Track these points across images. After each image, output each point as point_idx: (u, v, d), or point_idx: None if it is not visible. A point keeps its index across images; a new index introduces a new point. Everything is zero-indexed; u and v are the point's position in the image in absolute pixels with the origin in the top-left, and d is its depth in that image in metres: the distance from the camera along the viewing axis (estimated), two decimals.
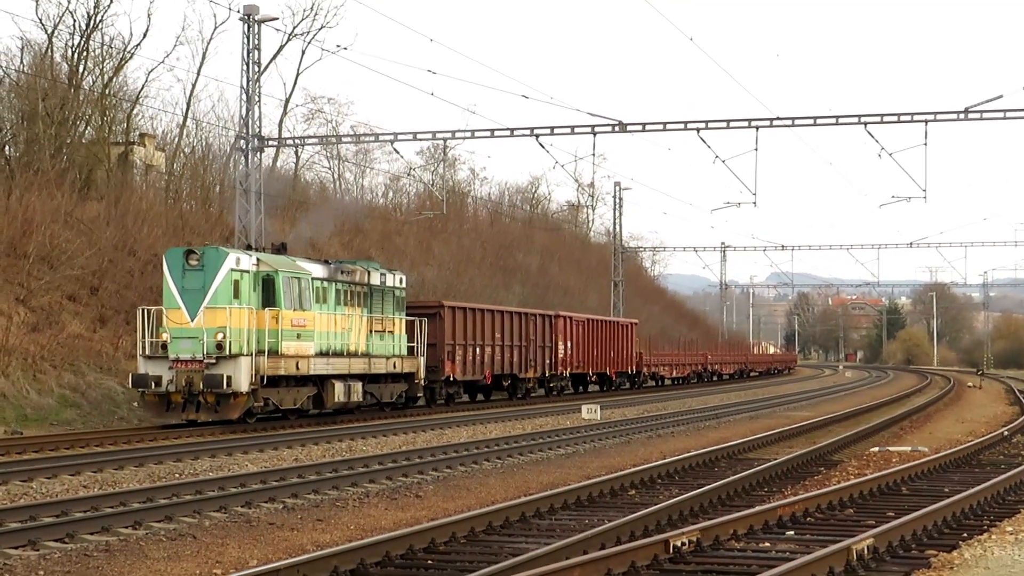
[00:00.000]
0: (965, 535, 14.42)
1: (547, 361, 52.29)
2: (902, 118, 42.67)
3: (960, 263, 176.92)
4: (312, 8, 61.98)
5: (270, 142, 51.19)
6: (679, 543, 12.95)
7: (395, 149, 63.10)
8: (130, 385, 30.91)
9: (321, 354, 33.34)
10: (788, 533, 14.67)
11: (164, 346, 29.53)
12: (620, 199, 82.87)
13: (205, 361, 28.90)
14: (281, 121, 62.18)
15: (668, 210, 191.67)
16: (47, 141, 48.72)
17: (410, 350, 39.10)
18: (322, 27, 62.73)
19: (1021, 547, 13.58)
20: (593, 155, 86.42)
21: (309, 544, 14.09)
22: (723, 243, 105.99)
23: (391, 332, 38.21)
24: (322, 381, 33.63)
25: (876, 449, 26.84)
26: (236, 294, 30.06)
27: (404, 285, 39.81)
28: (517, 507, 16.02)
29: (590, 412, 37.92)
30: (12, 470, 20.57)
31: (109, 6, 53.78)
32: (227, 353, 29.13)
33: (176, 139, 58.15)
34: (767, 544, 13.90)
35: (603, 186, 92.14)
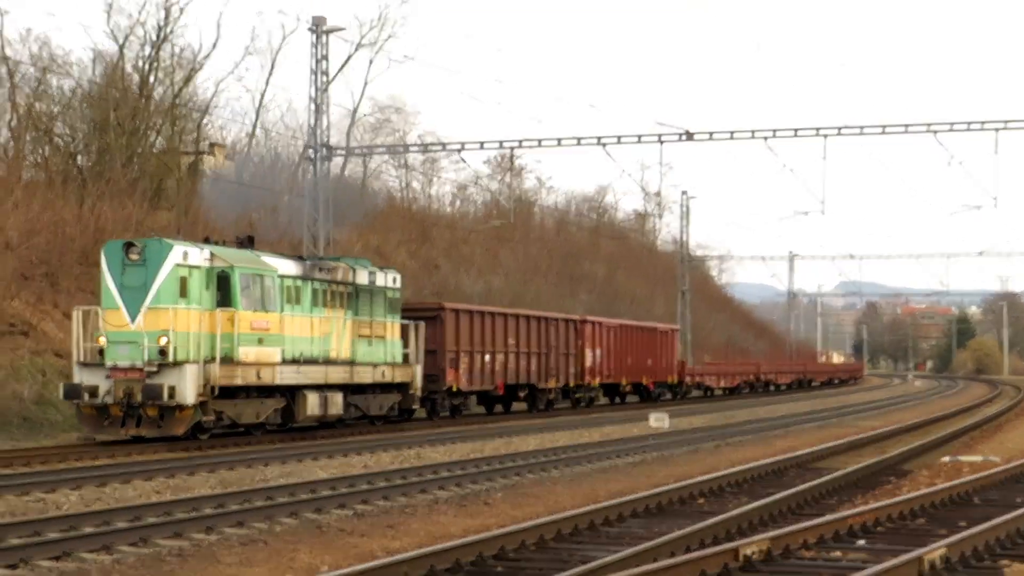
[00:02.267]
0: None
1: (572, 370, 48.42)
2: (972, 126, 42.50)
3: None
4: (379, 18, 62.42)
5: (338, 151, 51.47)
6: (749, 552, 12.92)
7: (462, 158, 63.57)
8: (60, 396, 27.48)
9: (290, 361, 29.57)
10: (859, 542, 14.61)
11: (101, 352, 26.18)
12: (687, 208, 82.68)
13: (145, 369, 25.28)
14: (349, 131, 62.42)
15: (735, 219, 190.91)
16: (118, 151, 49.16)
17: (405, 357, 35.44)
18: (389, 37, 63.17)
19: None
20: (660, 164, 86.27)
21: (379, 550, 14.14)
22: (791, 252, 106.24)
23: (381, 337, 34.23)
24: (293, 392, 29.82)
25: (947, 459, 26.61)
26: (183, 293, 26.36)
27: (398, 285, 35.88)
28: (586, 515, 16.00)
29: (658, 420, 37.84)
30: (86, 475, 20.84)
31: (179, 18, 54.25)
32: (171, 360, 25.53)
33: (245, 149, 58.55)
34: (838, 553, 13.84)
35: (670, 195, 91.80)
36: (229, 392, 26.91)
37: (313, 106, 45.92)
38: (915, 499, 17.91)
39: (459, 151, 56.02)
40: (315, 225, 45.27)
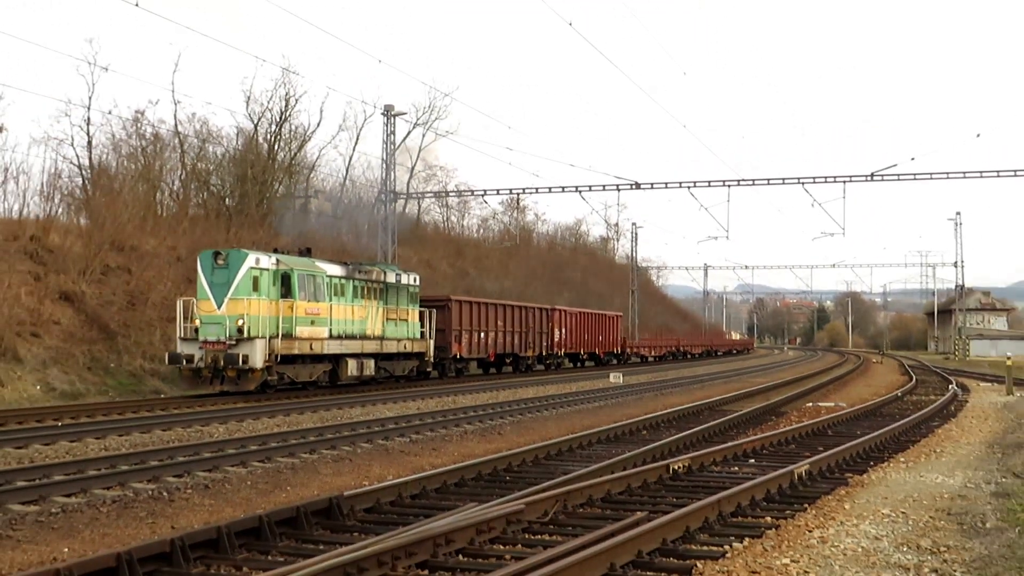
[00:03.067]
0: (872, 463, 14.40)
1: (544, 343, 46.36)
2: (827, 179, 42.85)
3: (867, 278, 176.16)
4: (429, 106, 62.88)
5: (401, 196, 51.48)
6: (677, 467, 12.97)
7: (485, 200, 63.74)
8: (167, 362, 26.79)
9: (335, 337, 28.80)
10: (751, 461, 14.69)
11: (196, 330, 25.61)
12: (635, 234, 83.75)
13: (227, 343, 24.90)
14: (408, 181, 62.37)
15: (668, 241, 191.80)
16: (253, 196, 49.28)
17: (422, 335, 34.44)
18: (436, 118, 63.58)
19: (910, 471, 13.52)
20: (617, 204, 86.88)
21: (427, 465, 14.13)
22: (705, 264, 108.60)
23: (405, 320, 33.31)
24: (337, 359, 29.07)
25: (810, 404, 26.67)
26: (255, 288, 25.76)
27: (417, 283, 34.67)
28: (567, 441, 16.07)
29: (615, 378, 37.79)
30: (230, 415, 20.82)
31: (294, 105, 54.36)
32: (245, 336, 25.03)
33: (339, 193, 58.69)
34: (736, 468, 13.89)
35: (624, 225, 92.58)
36: (289, 359, 26.51)
37: (384, 165, 45.99)
38: (788, 431, 17.94)
39: (483, 195, 56.13)
40: (385, 245, 45.37)
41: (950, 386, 33.78)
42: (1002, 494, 11.63)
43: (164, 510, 10.94)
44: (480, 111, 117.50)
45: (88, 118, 45.98)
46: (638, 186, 45.26)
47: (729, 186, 44.30)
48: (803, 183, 43.07)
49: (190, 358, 25.10)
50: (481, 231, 77.83)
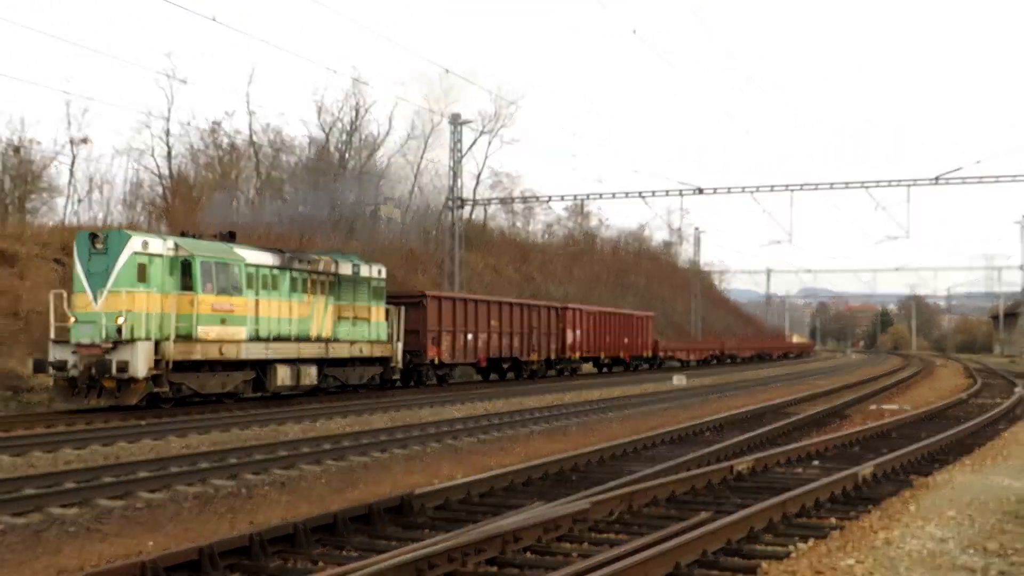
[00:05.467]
0: (937, 466, 14.12)
1: (554, 346, 40.32)
2: (891, 183, 42.26)
3: (931, 281, 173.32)
4: (495, 114, 63.13)
5: (468, 202, 51.75)
6: (741, 468, 12.86)
7: (550, 206, 63.85)
8: (31, 370, 21.67)
9: (260, 339, 23.31)
10: (815, 463, 14.48)
11: (69, 330, 20.72)
12: (699, 238, 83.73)
13: (103, 346, 19.82)
14: (475, 188, 62.63)
15: (732, 245, 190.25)
16: (325, 202, 49.91)
17: (389, 337, 28.62)
18: (502, 126, 63.95)
19: (976, 474, 13.24)
20: (681, 209, 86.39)
21: (495, 464, 14.15)
22: (768, 268, 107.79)
23: (365, 319, 27.54)
24: (264, 365, 23.54)
25: (874, 407, 26.27)
26: (142, 278, 20.55)
27: (383, 276, 28.76)
28: (631, 442, 15.99)
29: (679, 380, 37.56)
30: (306, 414, 21.00)
31: (364, 115, 55.12)
32: (125, 338, 19.95)
33: (408, 200, 59.11)
34: (800, 470, 13.72)
35: (687, 230, 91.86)
36: (189, 366, 21.30)
37: (451, 173, 46.26)
38: (852, 434, 17.70)
39: (547, 201, 56.38)
40: (452, 250, 45.58)
41: (1016, 389, 33.05)
42: None
43: (243, 506, 11.11)
44: (545, 118, 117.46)
45: (168, 129, 46.97)
46: (701, 191, 45.06)
47: (792, 190, 43.93)
48: (867, 187, 42.52)
49: (61, 365, 20.14)
50: (546, 236, 77.76)
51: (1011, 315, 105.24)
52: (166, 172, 46.84)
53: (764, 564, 7.90)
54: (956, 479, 12.76)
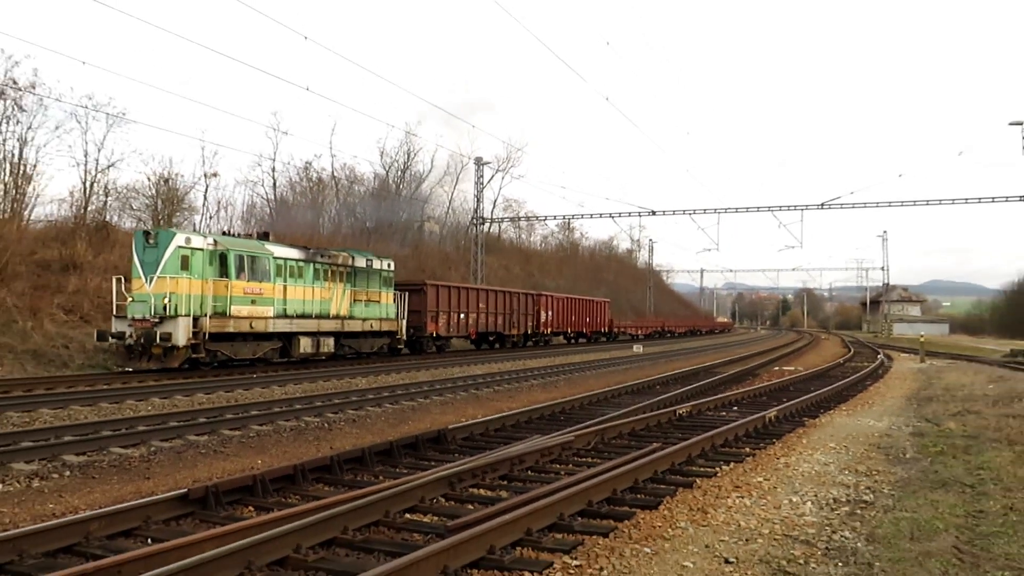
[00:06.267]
0: (822, 411, 14.05)
1: (530, 323, 38.08)
2: (790, 208, 42.12)
3: (818, 278, 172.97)
4: (507, 157, 62.90)
5: (487, 220, 51.62)
6: (682, 412, 12.80)
7: (546, 223, 63.49)
8: (95, 339, 20.34)
9: (285, 316, 21.80)
10: (735, 408, 14.41)
11: (127, 308, 19.45)
12: (652, 247, 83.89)
13: (152, 320, 18.71)
14: (492, 210, 62.41)
15: (676, 252, 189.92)
16: (386, 219, 49.91)
17: (397, 315, 26.87)
18: (512, 165, 63.64)
19: (850, 417, 13.20)
20: (639, 226, 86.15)
21: (505, 408, 14.09)
22: (701, 268, 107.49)
23: (376, 301, 25.76)
24: (289, 337, 21.97)
25: (776, 368, 26.15)
26: (185, 266, 19.28)
27: (391, 268, 26.83)
28: (603, 393, 15.91)
29: (638, 348, 37.42)
30: (370, 371, 20.92)
31: (413, 158, 54.96)
32: (169, 314, 18.78)
33: (445, 218, 59.01)
34: (724, 413, 13.64)
35: (644, 240, 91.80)
36: (224, 337, 19.89)
37: (475, 199, 46.16)
38: (762, 387, 17.61)
39: (544, 219, 56.17)
40: (476, 255, 45.51)
41: (878, 356, 32.89)
42: (917, 434, 11.29)
43: (325, 436, 11.10)
44: (542, 160, 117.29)
45: (273, 167, 46.90)
46: (654, 213, 44.98)
47: (719, 212, 43.94)
48: (772, 210, 42.40)
49: (120, 335, 19.02)
50: (542, 245, 77.64)
51: (875, 302, 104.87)
52: (272, 197, 46.84)
53: (698, 480, 7.87)
54: (836, 420, 12.71)
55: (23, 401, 13.15)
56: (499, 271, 55.55)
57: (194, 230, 21.24)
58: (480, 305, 33.47)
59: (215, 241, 20.22)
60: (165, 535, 5.86)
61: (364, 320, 25.05)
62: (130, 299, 19.22)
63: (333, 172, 50.08)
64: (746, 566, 5.30)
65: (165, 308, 18.89)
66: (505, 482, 7.89)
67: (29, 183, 28.15)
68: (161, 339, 18.48)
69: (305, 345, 22.31)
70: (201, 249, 19.76)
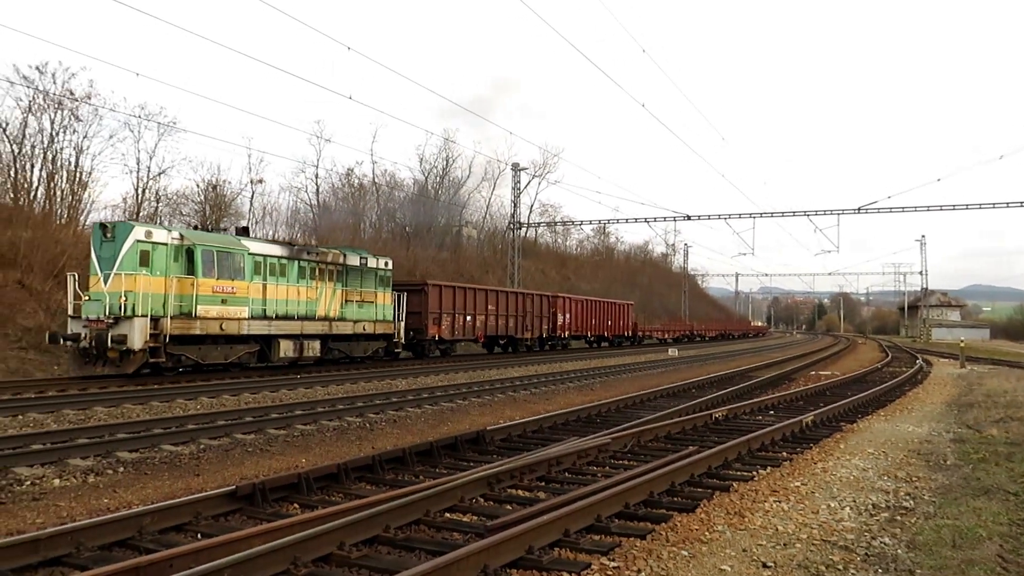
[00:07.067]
0: (860, 416, 13.79)
1: (546, 326, 35.25)
2: (826, 212, 41.51)
3: (855, 282, 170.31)
4: (543, 163, 62.99)
5: (523, 225, 51.64)
6: (718, 415, 12.67)
7: (581, 228, 63.29)
8: (46, 341, 18.04)
9: (263, 317, 19.62)
10: (771, 412, 14.21)
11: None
12: (687, 251, 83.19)
13: (107, 321, 16.57)
14: (529, 215, 62.49)
15: (711, 256, 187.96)
16: (424, 225, 50.22)
17: (396, 317, 24.68)
18: (548, 171, 63.66)
19: (888, 422, 12.92)
20: (674, 230, 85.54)
21: (542, 410, 14.09)
22: (736, 272, 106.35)
23: (371, 302, 23.49)
24: (268, 340, 19.80)
25: (813, 372, 25.76)
26: (144, 262, 17.15)
27: (389, 267, 24.48)
28: (639, 396, 15.82)
29: (673, 351, 37.11)
30: (411, 373, 20.94)
31: (452, 164, 55.24)
32: (125, 315, 16.65)
33: (482, 223, 59.17)
34: (760, 417, 13.47)
35: (679, 245, 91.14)
36: (189, 340, 17.76)
37: (512, 204, 46.20)
38: (798, 392, 17.34)
39: (579, 224, 56.01)
40: (513, 259, 45.54)
41: (917, 361, 32.19)
42: (958, 440, 11.02)
43: (367, 436, 11.19)
44: (578, 165, 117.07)
45: (316, 173, 47.58)
46: (689, 218, 44.62)
47: (755, 217, 43.44)
48: (808, 215, 41.81)
49: (75, 337, 16.97)
50: (578, 249, 77.54)
51: (913, 307, 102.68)
52: (315, 203, 47.45)
53: (735, 484, 7.78)
54: (874, 426, 12.47)
55: (79, 399, 13.47)
56: (535, 275, 55.54)
57: (158, 223, 18.56)
58: (489, 307, 30.93)
59: (181, 235, 18.12)
60: (214, 530, 5.97)
61: (356, 322, 22.89)
62: (86, 298, 17.29)
63: (374, 178, 50.61)
64: (784, 571, 5.23)
65: (121, 308, 16.76)
66: (543, 483, 7.87)
67: (84, 190, 28.93)
68: (115, 342, 16.51)
69: (286, 349, 20.15)
70: (164, 244, 17.67)
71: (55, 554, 5.25)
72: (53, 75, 28.27)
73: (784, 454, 9.74)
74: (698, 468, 8.25)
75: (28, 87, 27.59)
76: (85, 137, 29.49)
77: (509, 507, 6.84)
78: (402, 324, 25.03)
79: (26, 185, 27.13)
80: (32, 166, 27.73)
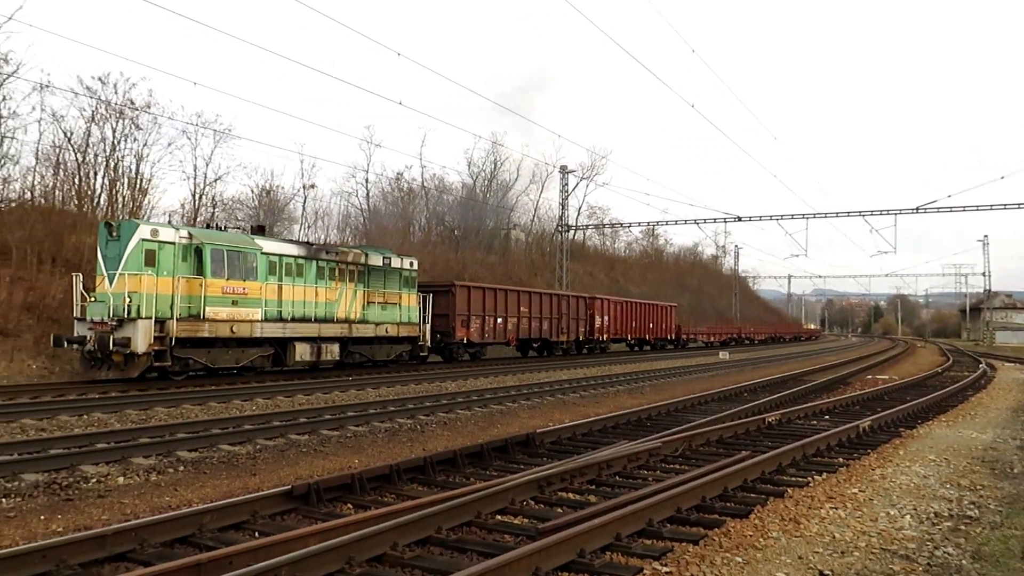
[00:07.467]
0: (920, 421, 13.42)
1: (582, 329, 33.90)
2: (882, 212, 40.45)
3: (913, 284, 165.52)
4: (591, 165, 62.77)
5: (572, 228, 51.50)
6: (771, 420, 12.46)
7: (630, 230, 62.81)
8: (51, 344, 17.22)
9: (278, 319, 18.81)
10: (826, 417, 13.93)
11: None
12: (737, 253, 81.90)
13: (110, 324, 15.90)
14: (577, 217, 62.31)
15: (763, 258, 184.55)
16: (472, 229, 50.42)
17: (424, 320, 23.76)
18: (596, 173, 63.44)
19: (950, 428, 12.53)
20: (724, 231, 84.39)
21: (592, 413, 14.01)
22: (789, 274, 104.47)
23: (395, 304, 22.53)
24: (283, 343, 19.00)
25: (869, 377, 25.13)
26: (150, 262, 16.38)
27: (414, 268, 23.47)
28: (690, 399, 15.66)
29: (724, 355, 36.61)
30: (459, 375, 21.09)
31: (500, 167, 55.39)
32: (129, 317, 15.95)
33: (530, 226, 59.16)
34: (815, 422, 13.21)
35: (729, 246, 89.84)
36: (198, 343, 16.99)
37: (560, 207, 46.13)
38: (854, 396, 16.96)
39: (628, 226, 55.54)
40: (562, 262, 45.46)
41: (980, 365, 31.17)
42: None
43: (418, 438, 11.26)
44: (627, 167, 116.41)
45: (367, 178, 48.23)
46: (739, 219, 43.95)
47: (808, 218, 42.56)
48: (863, 215, 40.80)
49: (81, 339, 16.31)
50: (626, 251, 77.05)
51: (975, 309, 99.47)
52: (366, 207, 48.10)
53: (790, 490, 7.63)
54: (935, 432, 12.11)
55: (139, 400, 13.86)
56: (584, 277, 55.36)
57: (168, 222, 17.92)
58: (522, 309, 29.64)
59: (189, 234, 17.26)
60: (271, 529, 6.09)
61: (378, 324, 21.96)
62: (91, 299, 16.60)
63: (423, 182, 51.05)
64: None
65: (126, 310, 16.06)
66: (593, 486, 7.84)
67: (145, 196, 29.81)
68: (118, 344, 15.80)
69: (302, 352, 19.34)
70: (171, 243, 16.87)
71: (120, 550, 5.41)
72: (115, 86, 29.23)
73: (840, 460, 9.54)
74: (751, 473, 8.12)
75: (91, 97, 28.58)
76: (145, 145, 30.42)
77: (559, 510, 6.83)
78: (428, 326, 24.04)
79: (90, 192, 28.07)
80: (95, 174, 28.69)
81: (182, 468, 8.78)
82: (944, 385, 21.28)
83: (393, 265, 22.72)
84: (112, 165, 28.91)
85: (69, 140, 28.19)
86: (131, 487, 7.86)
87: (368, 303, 21.74)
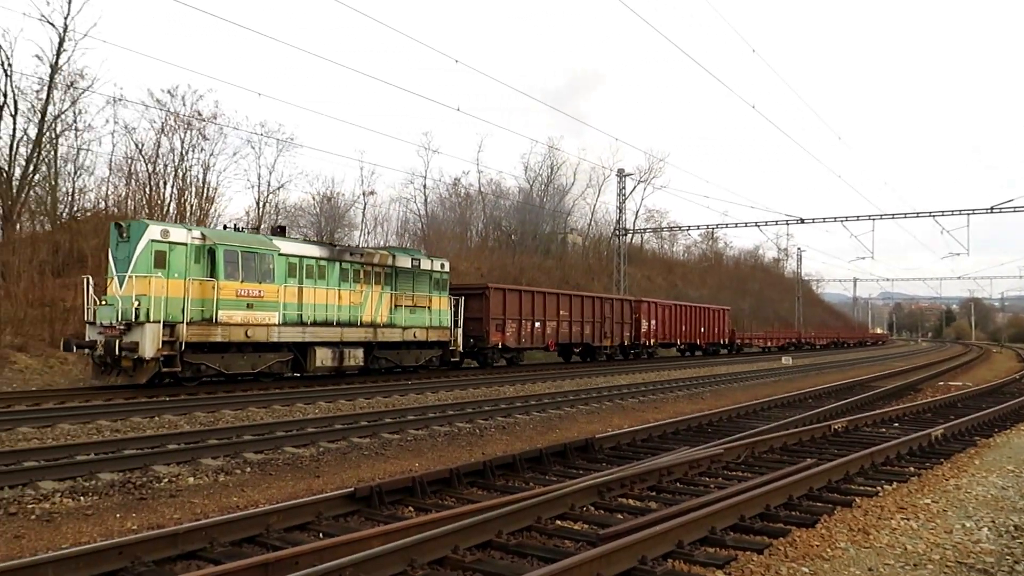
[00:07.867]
0: (996, 429, 12.89)
1: (627, 334, 32.44)
2: (953, 212, 39.04)
3: (988, 287, 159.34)
4: (648, 167, 62.37)
5: (629, 231, 51.13)
6: (837, 427, 12.14)
7: (688, 233, 62.10)
8: (61, 348, 16.86)
9: (298, 323, 18.01)
10: (895, 425, 13.50)
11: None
12: (800, 256, 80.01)
13: (119, 327, 15.32)
14: (634, 221, 61.85)
15: (827, 261, 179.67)
16: (529, 233, 50.49)
17: (455, 324, 22.80)
18: (653, 176, 62.91)
19: None
20: (787, 234, 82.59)
21: (651, 418, 13.90)
22: (855, 277, 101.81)
23: (425, 307, 21.64)
24: (303, 348, 18.28)
25: (941, 383, 24.25)
26: (160, 264, 15.78)
27: (445, 270, 22.50)
28: (752, 405, 15.34)
29: (786, 360, 35.82)
30: (517, 379, 21.14)
31: (557, 171, 55.39)
32: (136, 320, 15.37)
33: (587, 230, 58.99)
34: (884, 430, 12.81)
35: (791, 249, 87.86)
36: (210, 347, 16.35)
37: (618, 210, 45.87)
38: (925, 403, 16.38)
39: (687, 229, 54.90)
40: (619, 266, 45.16)
41: None
42: None
43: (477, 442, 11.31)
44: (685, 170, 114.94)
45: (425, 184, 48.80)
46: (802, 221, 42.92)
47: (874, 219, 41.30)
48: (933, 216, 39.43)
49: (92, 344, 15.74)
50: (685, 255, 76.12)
51: None
52: (424, 213, 48.63)
53: (858, 500, 7.43)
54: (1013, 441, 11.63)
55: (207, 402, 14.27)
56: (641, 281, 54.91)
57: (179, 222, 16.82)
58: (561, 312, 28.36)
59: (202, 235, 16.65)
60: (335, 530, 6.20)
61: (406, 328, 21.09)
62: (102, 302, 16.07)
63: (480, 187, 51.36)
64: None
65: (135, 313, 15.46)
66: (653, 493, 7.76)
67: (211, 204, 30.78)
68: (125, 349, 15.27)
69: (323, 357, 18.60)
70: (183, 244, 16.27)
71: (190, 548, 5.57)
72: (183, 98, 30.27)
73: (911, 469, 9.23)
74: (817, 481, 7.92)
75: (161, 109, 29.61)
76: (211, 155, 31.42)
77: (620, 516, 6.78)
78: (459, 331, 23.00)
79: (159, 201, 29.09)
80: (165, 183, 29.73)
81: (249, 469, 8.99)
82: (1023, 392, 20.41)
83: (423, 267, 21.80)
84: (180, 175, 29.92)
85: (140, 151, 29.28)
86: (201, 487, 8.09)
87: (396, 306, 20.92)
